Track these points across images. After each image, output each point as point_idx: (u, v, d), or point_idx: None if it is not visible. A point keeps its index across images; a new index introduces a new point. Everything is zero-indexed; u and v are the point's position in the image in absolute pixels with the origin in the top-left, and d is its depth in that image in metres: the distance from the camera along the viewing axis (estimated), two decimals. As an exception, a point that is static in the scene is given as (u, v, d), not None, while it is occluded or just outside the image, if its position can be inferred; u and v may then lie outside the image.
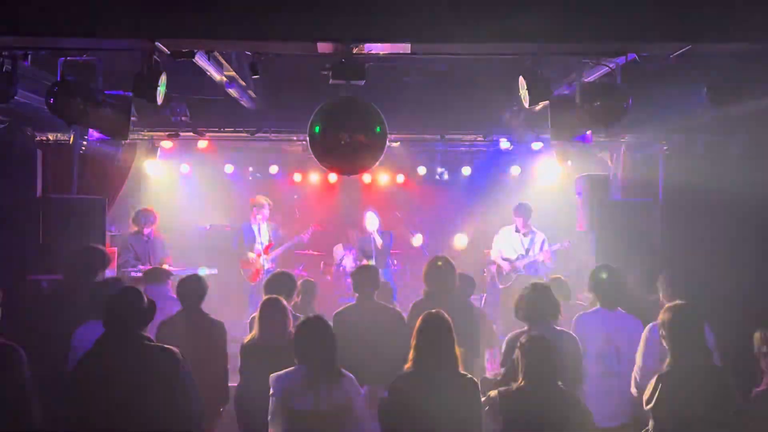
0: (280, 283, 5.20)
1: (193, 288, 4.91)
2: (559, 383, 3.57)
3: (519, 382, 3.58)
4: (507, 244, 8.54)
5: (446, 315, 3.81)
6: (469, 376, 3.72)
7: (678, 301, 4.03)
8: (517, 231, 8.51)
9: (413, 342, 3.74)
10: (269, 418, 3.82)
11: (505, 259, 8.50)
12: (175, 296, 5.00)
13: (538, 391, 3.52)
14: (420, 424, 3.57)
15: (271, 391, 3.83)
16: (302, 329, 3.97)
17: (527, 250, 8.42)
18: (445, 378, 3.63)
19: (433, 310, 3.85)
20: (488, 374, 4.81)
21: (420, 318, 3.82)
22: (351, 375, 3.90)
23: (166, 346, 3.78)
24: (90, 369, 3.70)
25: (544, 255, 8.32)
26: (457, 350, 3.70)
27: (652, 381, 3.74)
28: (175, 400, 3.69)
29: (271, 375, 3.87)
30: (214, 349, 4.69)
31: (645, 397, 3.77)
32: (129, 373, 3.64)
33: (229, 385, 4.82)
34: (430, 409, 3.54)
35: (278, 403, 3.79)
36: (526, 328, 4.29)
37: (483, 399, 3.68)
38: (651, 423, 3.74)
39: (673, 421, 3.65)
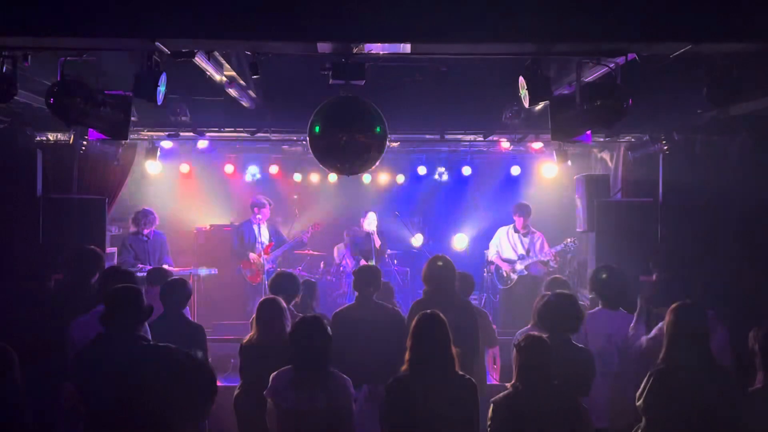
0: (285, 283, 5.24)
1: (176, 292, 4.91)
2: (555, 383, 3.52)
3: (513, 381, 3.54)
4: (506, 245, 8.45)
5: (441, 315, 3.76)
6: (467, 376, 3.69)
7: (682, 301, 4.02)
8: (516, 231, 8.43)
9: (408, 344, 3.71)
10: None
11: (505, 260, 8.41)
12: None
13: (532, 391, 3.47)
14: (417, 425, 3.56)
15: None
16: (295, 329, 4.00)
17: (528, 251, 8.33)
18: (441, 379, 3.60)
19: (428, 311, 3.81)
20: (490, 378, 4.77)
21: (414, 319, 3.80)
22: (344, 377, 3.90)
23: (164, 344, 3.77)
24: (88, 368, 3.70)
25: (548, 256, 8.22)
26: (454, 350, 3.66)
27: (645, 377, 3.73)
28: (176, 398, 3.69)
29: (272, 373, 3.91)
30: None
31: (637, 392, 3.75)
32: (127, 372, 3.64)
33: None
34: (426, 411, 3.52)
35: (270, 401, 3.88)
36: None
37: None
38: (643, 420, 3.71)
39: (663, 417, 3.61)
